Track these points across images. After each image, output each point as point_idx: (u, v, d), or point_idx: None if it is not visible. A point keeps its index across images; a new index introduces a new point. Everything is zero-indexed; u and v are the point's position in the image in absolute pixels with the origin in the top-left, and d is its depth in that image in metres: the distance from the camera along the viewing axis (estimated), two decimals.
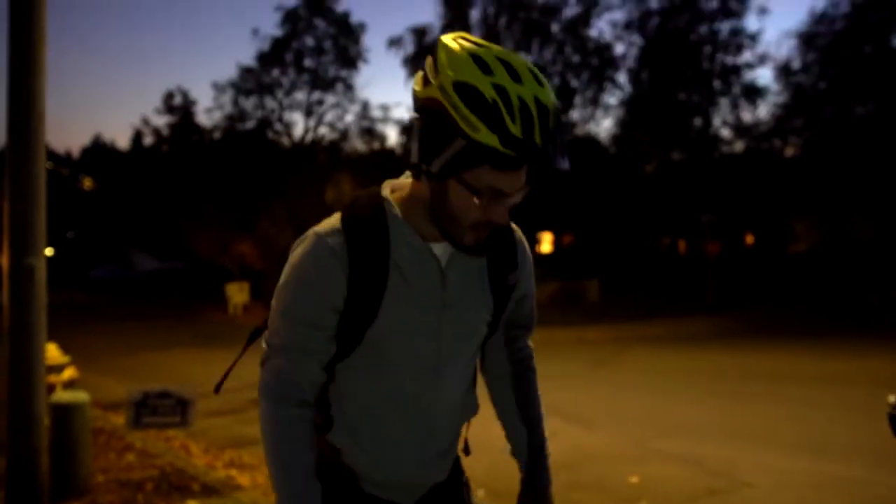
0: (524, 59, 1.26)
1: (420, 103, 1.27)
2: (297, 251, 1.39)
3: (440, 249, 1.40)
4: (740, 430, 6.34)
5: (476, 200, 1.26)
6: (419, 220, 1.37)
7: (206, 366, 11.18)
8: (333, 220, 1.39)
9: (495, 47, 1.26)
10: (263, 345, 1.44)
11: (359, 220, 1.37)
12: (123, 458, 5.51)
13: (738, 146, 32.21)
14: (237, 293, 22.93)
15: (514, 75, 1.22)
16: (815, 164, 29.89)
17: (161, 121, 40.96)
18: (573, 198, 26.25)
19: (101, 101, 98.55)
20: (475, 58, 1.23)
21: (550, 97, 1.23)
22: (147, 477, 4.94)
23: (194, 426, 6.53)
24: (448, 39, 1.28)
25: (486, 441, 1.68)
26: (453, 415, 1.51)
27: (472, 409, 1.56)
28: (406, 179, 1.44)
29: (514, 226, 1.52)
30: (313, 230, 1.39)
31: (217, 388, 1.63)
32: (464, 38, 1.28)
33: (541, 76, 1.25)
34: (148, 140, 42.89)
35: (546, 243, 30.78)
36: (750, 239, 30.09)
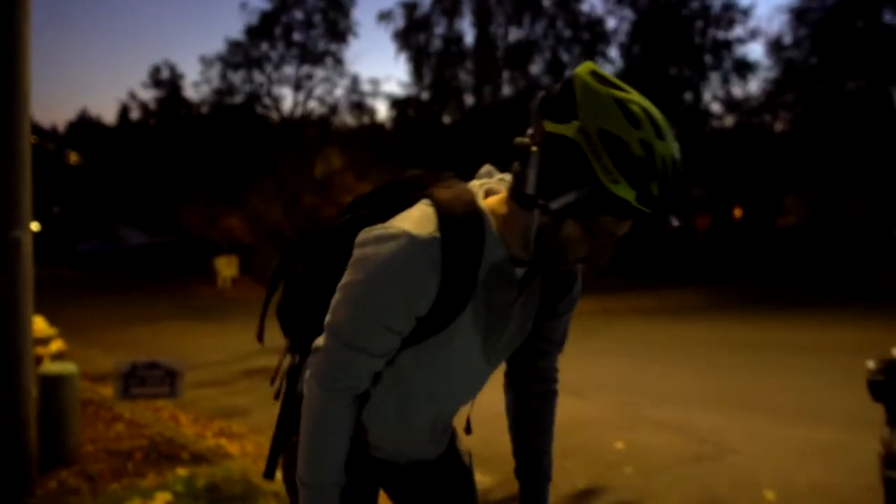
0: (657, 110, 1.23)
1: (548, 138, 1.21)
2: (388, 248, 1.29)
3: (520, 272, 1.40)
4: (728, 399, 6.41)
5: (589, 238, 1.26)
6: (513, 241, 1.34)
7: (195, 339, 11.19)
8: (427, 223, 1.31)
9: (635, 93, 1.23)
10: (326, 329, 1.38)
11: (457, 231, 1.31)
12: (112, 428, 5.52)
13: (729, 121, 32.23)
14: (226, 267, 22.89)
15: (658, 131, 1.19)
16: (806, 139, 29.94)
17: (148, 95, 40.52)
18: None
19: (88, 76, 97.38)
20: (622, 106, 1.19)
21: (679, 153, 1.23)
22: (136, 446, 4.95)
23: (183, 397, 6.55)
24: (586, 76, 1.21)
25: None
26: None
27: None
28: (496, 185, 1.40)
29: None
30: (406, 230, 1.30)
31: (260, 337, 1.63)
32: (602, 78, 1.22)
33: (670, 129, 1.23)
34: (135, 114, 42.42)
35: None
36: (739, 213, 30.17)
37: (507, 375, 1.69)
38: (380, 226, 1.33)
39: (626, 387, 7.07)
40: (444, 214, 1.32)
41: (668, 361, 8.52)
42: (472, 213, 1.34)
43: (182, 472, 4.36)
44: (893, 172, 32.48)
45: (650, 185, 1.17)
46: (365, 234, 1.33)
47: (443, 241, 1.30)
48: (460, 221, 1.32)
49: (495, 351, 1.46)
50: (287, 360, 1.60)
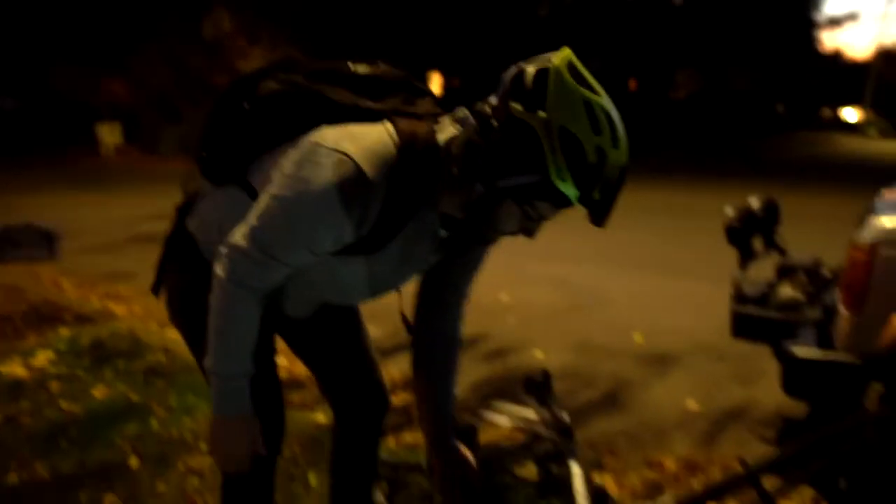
0: (618, 115, 1.27)
1: (511, 120, 1.24)
2: (334, 178, 1.29)
3: (444, 233, 1.46)
4: (609, 256, 6.78)
5: (524, 220, 1.33)
6: (450, 199, 1.36)
7: (78, 207, 10.64)
8: (381, 163, 1.31)
9: (603, 95, 1.26)
10: (244, 228, 1.37)
11: (408, 184, 1.34)
12: None
13: None
14: (108, 134, 21.62)
15: (615, 139, 1.25)
16: (699, 14, 30.36)
17: None
18: (462, 39, 25.69)
19: None
20: (588, 110, 1.22)
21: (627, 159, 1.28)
22: (16, 311, 4.78)
23: (64, 263, 6.34)
24: (563, 69, 1.24)
25: None
26: None
27: None
28: (457, 133, 1.36)
29: None
30: (358, 162, 1.29)
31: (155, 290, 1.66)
32: (577, 73, 1.25)
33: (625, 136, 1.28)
34: None
35: (435, 85, 30.38)
36: (634, 85, 30.75)
37: (414, 330, 1.71)
38: (331, 143, 1.32)
39: (515, 247, 7.32)
40: (403, 161, 1.33)
41: (557, 224, 8.83)
42: (429, 171, 1.35)
43: (65, 331, 4.29)
44: (778, 50, 33.69)
45: (594, 190, 1.24)
46: (313, 147, 1.33)
47: (388, 188, 1.32)
48: (415, 176, 1.34)
49: (397, 278, 1.56)
50: (192, 187, 1.63)
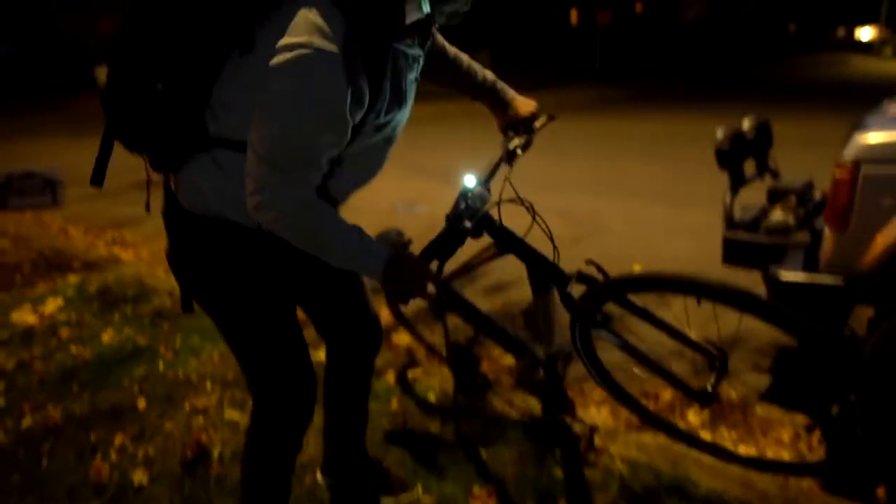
0: None
1: None
2: (312, 79, 1.30)
3: (417, 52, 1.54)
4: (609, 186, 6.77)
5: None
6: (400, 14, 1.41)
7: (79, 153, 10.60)
8: (330, 29, 1.32)
9: None
10: (261, 165, 1.37)
11: (362, 20, 1.38)
12: None
13: None
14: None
15: None
16: None
17: None
18: None
19: None
20: None
21: None
22: (24, 259, 4.88)
23: (70, 210, 6.40)
24: None
25: None
26: None
27: None
28: None
29: None
30: (317, 46, 1.30)
31: (94, 180, 1.59)
32: None
33: None
34: None
35: None
36: (640, 8, 29.93)
37: (426, 73, 1.78)
38: (288, 44, 1.30)
39: (515, 178, 7.31)
40: (352, 20, 1.37)
41: (561, 154, 8.77)
42: (378, 9, 1.38)
43: (73, 278, 4.37)
44: None
45: None
46: (280, 60, 1.30)
47: (344, 51, 1.33)
48: (370, 23, 1.39)
49: (404, 110, 1.58)
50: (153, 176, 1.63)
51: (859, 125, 2.50)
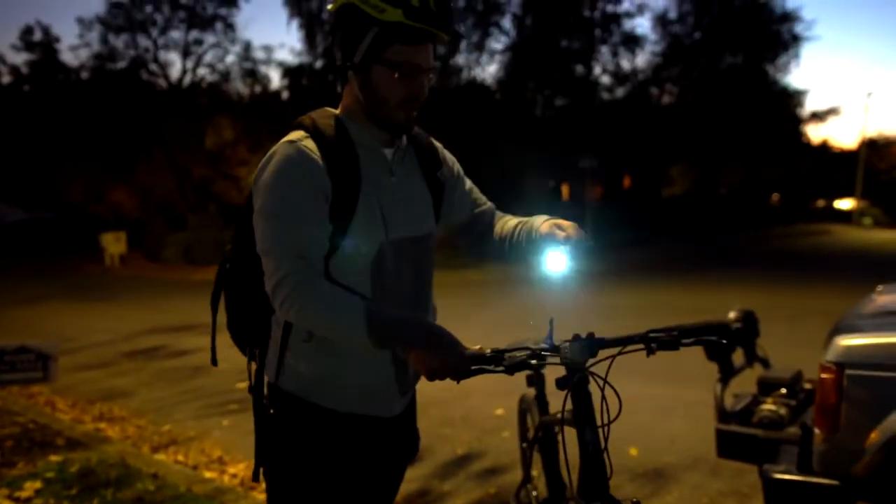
0: None
1: (335, 16, 1.51)
2: (274, 162, 1.50)
3: (389, 152, 1.62)
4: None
5: (396, 76, 1.48)
6: (362, 123, 1.58)
7: (80, 319, 10.71)
8: (296, 133, 1.54)
9: None
10: (270, 264, 1.48)
11: (321, 125, 1.55)
12: None
13: (619, 92, 33.31)
14: (113, 243, 21.92)
15: None
16: (690, 111, 31.33)
17: (19, 58, 37.81)
18: (459, 142, 26.43)
19: None
20: None
21: None
22: (7, 435, 4.77)
23: (60, 381, 6.31)
24: None
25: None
26: None
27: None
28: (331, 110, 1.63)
29: (423, 132, 1.74)
30: (281, 142, 1.52)
31: (213, 361, 1.75)
32: None
33: None
34: (5, 79, 39.52)
35: None
36: (628, 182, 31.37)
37: (472, 243, 1.95)
38: (269, 155, 1.53)
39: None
40: (308, 120, 1.56)
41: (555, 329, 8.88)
42: (326, 113, 1.59)
43: (55, 458, 4.26)
44: (770, 144, 34.49)
45: (410, 2, 1.42)
46: (258, 170, 1.53)
47: (314, 135, 1.52)
48: (320, 120, 1.56)
49: (401, 225, 1.61)
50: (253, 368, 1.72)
51: (841, 327, 2.57)
